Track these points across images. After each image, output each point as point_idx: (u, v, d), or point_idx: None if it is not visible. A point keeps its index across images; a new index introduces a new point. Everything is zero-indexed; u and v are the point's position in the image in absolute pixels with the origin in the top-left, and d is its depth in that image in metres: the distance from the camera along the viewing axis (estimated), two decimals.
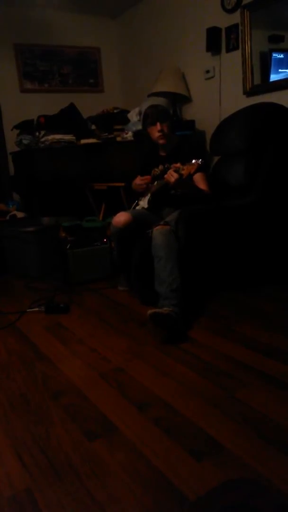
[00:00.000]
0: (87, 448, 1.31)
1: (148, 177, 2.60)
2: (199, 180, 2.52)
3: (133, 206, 2.80)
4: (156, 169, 2.55)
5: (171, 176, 2.25)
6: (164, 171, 2.37)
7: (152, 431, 1.36)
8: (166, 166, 2.41)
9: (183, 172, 2.21)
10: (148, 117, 2.57)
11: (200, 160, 2.18)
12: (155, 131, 2.55)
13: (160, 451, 1.27)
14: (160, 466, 1.21)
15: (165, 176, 2.31)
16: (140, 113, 3.78)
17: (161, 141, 2.59)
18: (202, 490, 1.11)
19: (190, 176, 2.28)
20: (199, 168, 2.24)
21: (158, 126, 2.53)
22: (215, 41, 3.40)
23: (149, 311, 1.97)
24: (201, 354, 1.86)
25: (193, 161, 2.19)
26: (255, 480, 1.13)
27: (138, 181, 2.63)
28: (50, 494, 1.14)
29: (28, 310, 2.56)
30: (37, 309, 2.55)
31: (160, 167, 2.51)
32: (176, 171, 2.24)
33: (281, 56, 3.11)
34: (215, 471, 1.17)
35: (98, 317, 2.40)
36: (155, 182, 2.56)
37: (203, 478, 1.15)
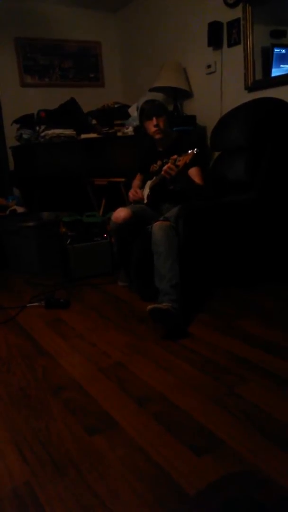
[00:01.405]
0: (87, 442, 1.31)
1: (139, 195, 2.64)
2: (194, 175, 2.49)
3: (133, 202, 2.79)
4: (155, 165, 2.55)
5: (168, 168, 2.25)
6: (162, 166, 2.37)
7: (152, 426, 1.37)
8: (164, 161, 2.41)
9: (179, 163, 2.20)
10: (145, 112, 2.56)
11: (195, 149, 2.17)
12: (151, 126, 2.54)
13: (160, 446, 1.27)
14: (160, 461, 1.21)
15: (163, 168, 2.30)
16: (138, 109, 3.76)
17: (157, 136, 2.57)
18: (202, 485, 1.11)
19: (187, 166, 2.25)
20: (195, 160, 2.21)
21: (154, 120, 2.52)
22: (217, 35, 3.38)
23: (149, 307, 1.97)
24: (200, 349, 1.86)
25: (189, 151, 2.18)
26: (254, 473, 1.13)
27: (131, 194, 2.67)
28: (50, 488, 1.14)
29: (28, 305, 2.56)
30: (37, 304, 2.56)
31: (159, 162, 2.51)
32: (173, 163, 2.23)
33: (283, 51, 3.10)
34: (215, 466, 1.18)
35: (98, 312, 2.40)
36: (154, 178, 2.56)
37: (203, 473, 1.15)
